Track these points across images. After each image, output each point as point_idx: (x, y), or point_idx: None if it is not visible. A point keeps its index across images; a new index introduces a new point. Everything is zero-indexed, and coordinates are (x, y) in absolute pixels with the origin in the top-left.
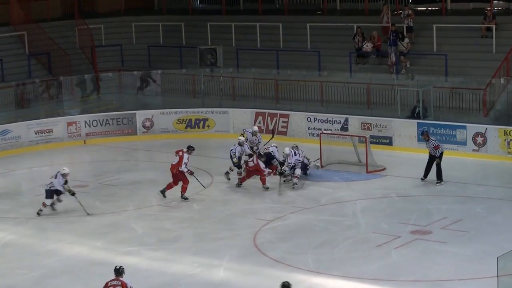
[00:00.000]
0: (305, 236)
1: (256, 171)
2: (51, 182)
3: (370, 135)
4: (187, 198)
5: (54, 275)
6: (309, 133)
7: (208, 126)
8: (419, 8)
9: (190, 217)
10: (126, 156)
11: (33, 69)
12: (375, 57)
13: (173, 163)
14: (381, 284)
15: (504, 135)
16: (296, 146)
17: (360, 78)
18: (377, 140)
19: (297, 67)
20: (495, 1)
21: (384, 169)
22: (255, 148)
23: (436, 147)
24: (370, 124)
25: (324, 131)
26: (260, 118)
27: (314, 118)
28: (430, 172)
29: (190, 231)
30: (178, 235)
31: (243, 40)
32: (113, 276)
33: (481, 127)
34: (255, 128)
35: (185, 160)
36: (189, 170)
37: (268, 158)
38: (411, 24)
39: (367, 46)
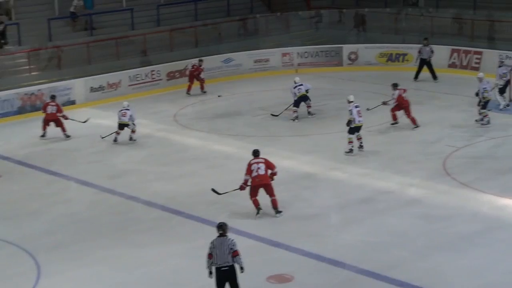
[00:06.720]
0: (493, 163)
1: None
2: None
3: None
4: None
5: None
6: None
7: (407, 60)
8: None
9: (388, 142)
10: (332, 84)
11: (255, 5)
12: None
13: None
14: None
15: None
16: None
17: None
18: None
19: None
20: None
21: None
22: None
23: None
24: None
25: None
26: (455, 54)
27: (506, 55)
28: None
29: (385, 154)
30: (375, 151)
31: None
32: None
33: None
34: (481, 74)
35: None
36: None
37: None
38: None
39: None
